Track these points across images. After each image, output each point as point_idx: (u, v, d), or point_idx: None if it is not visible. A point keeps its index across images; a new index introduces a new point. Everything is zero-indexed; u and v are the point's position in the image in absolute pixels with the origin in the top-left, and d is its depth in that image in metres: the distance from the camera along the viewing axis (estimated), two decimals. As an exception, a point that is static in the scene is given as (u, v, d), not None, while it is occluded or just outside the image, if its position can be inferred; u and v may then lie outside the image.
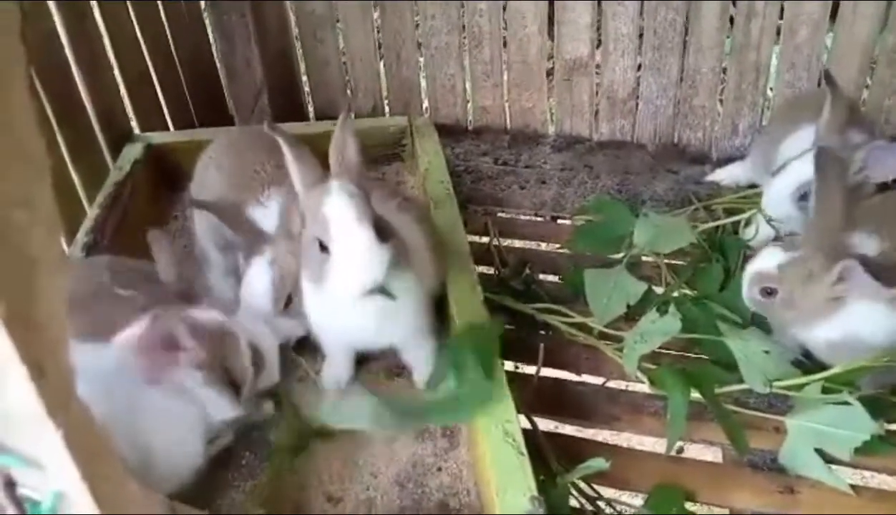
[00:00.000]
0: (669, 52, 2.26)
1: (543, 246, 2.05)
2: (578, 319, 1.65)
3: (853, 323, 1.39)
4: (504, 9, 2.30)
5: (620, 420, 1.52)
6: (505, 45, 2.36)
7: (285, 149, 1.29)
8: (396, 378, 1.54)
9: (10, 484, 0.58)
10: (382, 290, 1.24)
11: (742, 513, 1.36)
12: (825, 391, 1.37)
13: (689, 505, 1.35)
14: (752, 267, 1.48)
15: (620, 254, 1.79)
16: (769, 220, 1.72)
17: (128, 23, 2.08)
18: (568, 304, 1.70)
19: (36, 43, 1.75)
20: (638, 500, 1.40)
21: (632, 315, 1.63)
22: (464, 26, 2.36)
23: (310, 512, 1.29)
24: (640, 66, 2.33)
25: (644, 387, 1.51)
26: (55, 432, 0.54)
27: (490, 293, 1.61)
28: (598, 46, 2.33)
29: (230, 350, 1.32)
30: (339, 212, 1.22)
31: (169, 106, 2.26)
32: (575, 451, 1.40)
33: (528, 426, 1.40)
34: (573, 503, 1.33)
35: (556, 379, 1.60)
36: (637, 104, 2.38)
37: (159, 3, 2.21)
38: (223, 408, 1.31)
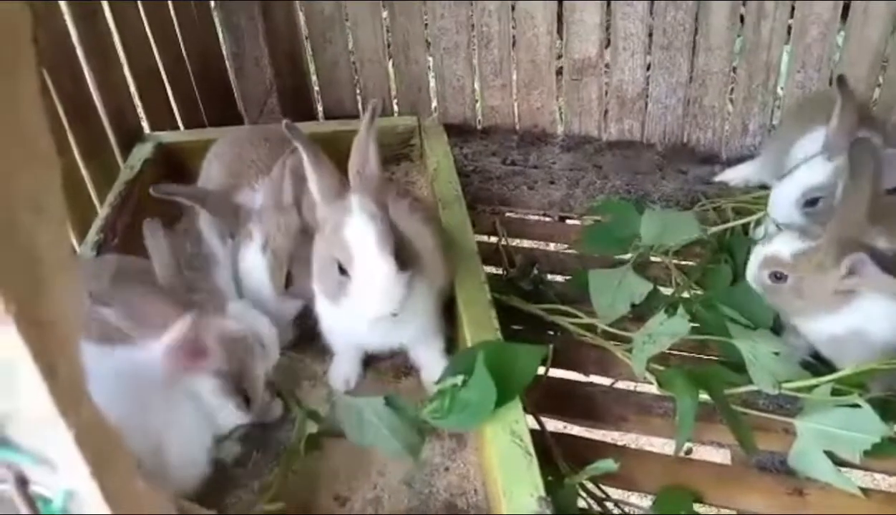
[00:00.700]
0: (679, 52, 2.25)
1: (552, 246, 2.05)
2: (587, 320, 1.65)
3: (860, 318, 1.38)
4: (513, 8, 2.30)
5: (629, 420, 1.51)
6: (514, 44, 2.36)
7: (304, 155, 1.28)
8: (404, 377, 1.54)
9: (23, 482, 0.58)
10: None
11: (750, 515, 1.36)
12: (835, 393, 1.37)
13: (697, 507, 1.34)
14: (765, 250, 1.47)
15: (629, 255, 1.79)
16: (777, 225, 1.72)
17: (138, 23, 2.09)
18: (576, 305, 1.69)
19: (47, 43, 1.76)
20: (646, 501, 1.40)
21: (640, 315, 1.63)
22: (473, 26, 2.36)
23: (317, 511, 1.29)
24: (649, 66, 2.32)
25: (653, 388, 1.51)
26: (66, 431, 0.54)
27: (498, 293, 1.60)
28: (607, 46, 2.33)
29: (248, 362, 1.32)
30: (360, 238, 1.22)
31: (179, 105, 2.27)
32: (583, 452, 1.40)
33: (535, 426, 1.40)
34: (581, 503, 1.33)
35: (564, 380, 1.60)
36: (646, 104, 2.37)
37: (169, 3, 2.22)
38: (232, 416, 1.31)
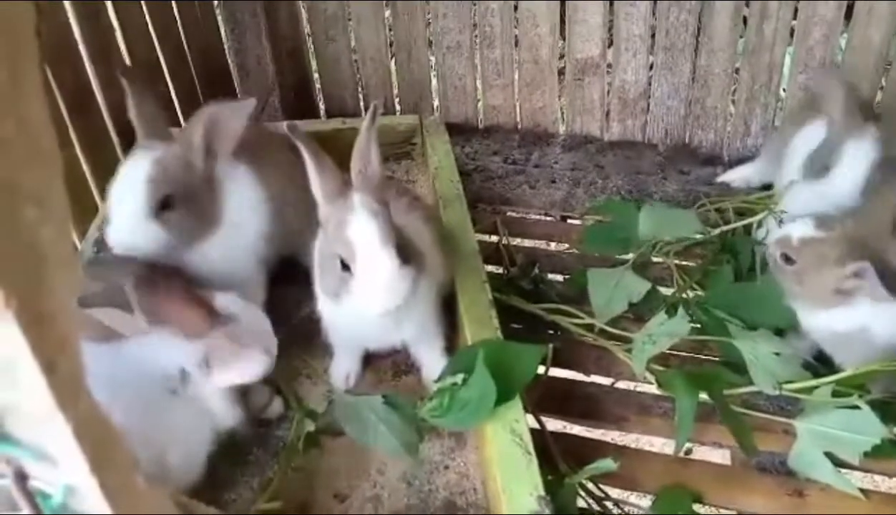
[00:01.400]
0: (681, 53, 2.25)
1: (553, 245, 2.05)
2: (587, 319, 1.65)
3: (864, 316, 1.38)
4: (516, 8, 2.29)
5: (629, 420, 1.51)
6: (516, 44, 2.36)
7: (305, 155, 1.28)
8: (404, 375, 1.54)
9: (23, 478, 0.58)
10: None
11: (750, 516, 1.36)
12: (835, 394, 1.37)
13: (696, 507, 1.34)
14: (785, 229, 1.48)
15: (630, 255, 1.79)
16: (780, 222, 1.71)
17: (140, 19, 2.09)
18: (576, 304, 1.69)
19: (49, 38, 1.76)
20: (646, 501, 1.40)
21: (640, 315, 1.63)
22: (475, 25, 2.36)
23: (317, 509, 1.29)
24: (651, 67, 2.32)
25: (653, 388, 1.51)
26: (65, 426, 0.54)
27: (499, 292, 1.60)
28: (609, 46, 2.33)
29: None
30: (363, 235, 1.22)
31: (181, 102, 2.27)
32: (583, 451, 1.40)
33: (535, 425, 1.40)
34: (581, 503, 1.33)
35: (564, 379, 1.60)
36: (648, 104, 2.37)
37: (172, 0, 2.22)
38: (229, 414, 1.31)
